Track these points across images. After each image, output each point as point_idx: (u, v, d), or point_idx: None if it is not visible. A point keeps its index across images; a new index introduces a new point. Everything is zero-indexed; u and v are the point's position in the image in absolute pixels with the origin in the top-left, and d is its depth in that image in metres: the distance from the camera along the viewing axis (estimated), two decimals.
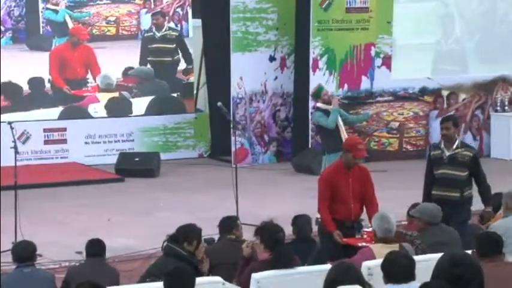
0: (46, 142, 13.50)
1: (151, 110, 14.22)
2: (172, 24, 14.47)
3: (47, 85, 13.69)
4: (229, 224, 7.39)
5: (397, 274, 4.96)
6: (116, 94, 14.08)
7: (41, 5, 13.77)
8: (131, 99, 14.17)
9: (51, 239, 9.02)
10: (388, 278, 4.99)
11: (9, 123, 9.37)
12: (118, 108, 14.04)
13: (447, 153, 8.07)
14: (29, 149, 13.29)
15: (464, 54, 14.74)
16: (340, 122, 10.06)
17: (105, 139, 13.85)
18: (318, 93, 10.36)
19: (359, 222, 7.75)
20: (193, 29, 14.52)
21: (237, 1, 13.52)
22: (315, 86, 10.63)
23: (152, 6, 14.37)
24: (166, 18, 14.34)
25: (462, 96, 14.68)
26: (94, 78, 14.00)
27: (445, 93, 14.57)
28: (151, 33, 14.25)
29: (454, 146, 8.11)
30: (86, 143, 13.72)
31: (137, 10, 14.36)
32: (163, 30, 14.28)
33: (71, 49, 13.88)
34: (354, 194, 7.66)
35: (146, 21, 14.36)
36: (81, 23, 14.00)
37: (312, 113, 10.22)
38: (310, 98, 13.59)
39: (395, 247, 6.28)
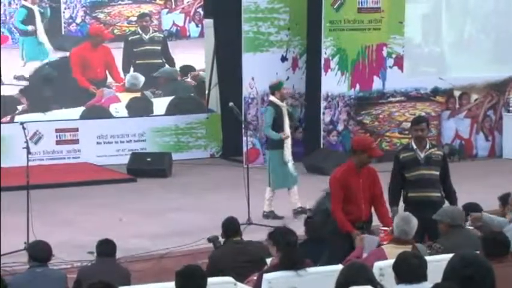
0: (58, 142, 13.54)
1: (171, 110, 14.23)
2: (192, 25, 14.48)
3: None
4: (234, 227, 7.37)
5: (409, 274, 4.93)
6: (138, 94, 14.13)
7: (62, 6, 13.80)
8: (152, 99, 14.19)
9: (63, 239, 9.04)
10: (400, 278, 4.97)
11: (21, 123, 9.38)
12: (139, 108, 14.06)
13: (422, 154, 8.04)
14: (41, 149, 13.33)
15: (477, 54, 14.69)
16: (287, 120, 10.28)
17: (117, 139, 13.89)
18: (278, 87, 10.40)
19: (368, 223, 7.73)
20: (205, 29, 14.53)
21: (249, 1, 13.53)
22: (275, 80, 10.73)
23: (173, 6, 14.40)
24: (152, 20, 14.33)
25: (474, 96, 14.63)
26: (113, 79, 14.04)
27: (457, 93, 14.53)
28: (138, 36, 14.19)
29: (427, 146, 8.09)
30: (98, 143, 13.76)
31: (158, 10, 14.39)
32: (150, 32, 14.25)
33: (92, 49, 13.92)
34: (365, 194, 7.65)
35: (167, 22, 14.36)
36: (103, 22, 14.03)
37: (265, 107, 10.31)
38: (322, 98, 13.63)
39: (407, 248, 6.25)
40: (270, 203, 10.39)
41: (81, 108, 13.80)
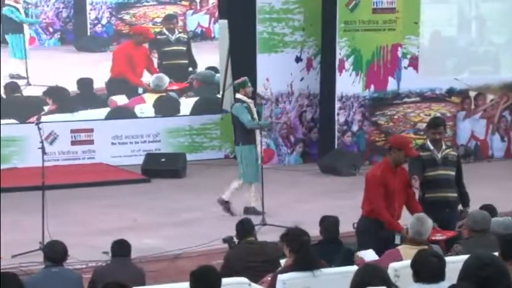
0: (73, 143, 13.58)
1: (196, 111, 14.24)
2: (217, 26, 14.49)
3: (95, 86, 13.79)
4: (248, 227, 7.36)
5: (427, 273, 4.87)
6: (164, 94, 14.19)
7: (88, 7, 13.88)
8: (180, 100, 14.23)
9: (78, 239, 9.06)
10: (418, 276, 4.91)
11: (37, 123, 9.42)
12: (165, 108, 14.11)
13: (439, 155, 8.02)
14: (56, 149, 13.38)
15: (496, 54, 14.62)
16: (255, 116, 10.43)
17: (132, 140, 13.91)
18: (243, 85, 10.53)
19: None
20: (220, 29, 14.54)
21: (263, 2, 13.53)
22: (241, 78, 10.77)
23: (198, 7, 14.44)
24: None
25: (490, 97, 14.57)
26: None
27: (472, 94, 14.48)
28: (165, 36, 14.25)
29: (444, 147, 8.09)
30: (113, 143, 13.79)
31: (183, 11, 14.42)
32: (176, 33, 14.30)
33: (135, 48, 14.01)
34: (399, 194, 7.61)
35: (192, 23, 14.39)
36: (128, 23, 14.08)
37: (233, 104, 10.44)
38: (336, 98, 13.60)
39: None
40: (231, 194, 10.46)
41: (107, 109, 13.86)
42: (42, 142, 9.13)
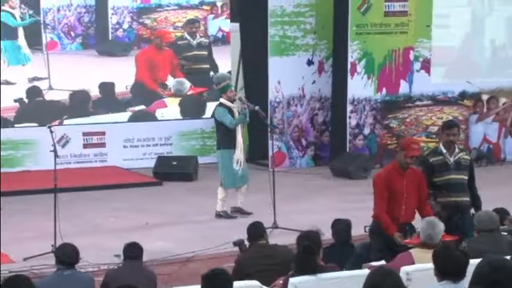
0: (85, 146, 13.61)
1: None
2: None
3: (117, 90, 13.82)
4: (259, 230, 7.37)
5: (452, 267, 4.81)
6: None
7: (110, 12, 13.93)
8: (207, 103, 14.27)
9: (90, 242, 9.09)
10: (443, 272, 4.84)
11: (49, 127, 9.46)
12: (192, 109, 14.14)
13: (451, 159, 7.99)
14: (68, 152, 13.42)
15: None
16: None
17: (143, 143, 13.94)
18: (225, 89, 10.56)
19: (411, 225, 7.66)
20: (231, 33, 14.55)
21: (275, 5, 13.53)
22: (224, 82, 10.76)
23: (219, 11, 14.46)
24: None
25: (502, 100, 14.52)
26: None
27: (484, 97, 14.43)
28: (186, 41, 14.29)
29: (457, 151, 8.06)
30: (125, 146, 13.82)
31: (204, 16, 14.44)
32: (197, 38, 14.34)
33: (157, 52, 14.05)
34: (408, 196, 7.59)
35: (213, 27, 14.42)
36: (149, 28, 14.13)
37: (216, 107, 10.55)
38: (348, 102, 13.59)
39: None
40: (222, 203, 10.53)
41: (128, 113, 13.89)
42: (54, 145, 9.17)
